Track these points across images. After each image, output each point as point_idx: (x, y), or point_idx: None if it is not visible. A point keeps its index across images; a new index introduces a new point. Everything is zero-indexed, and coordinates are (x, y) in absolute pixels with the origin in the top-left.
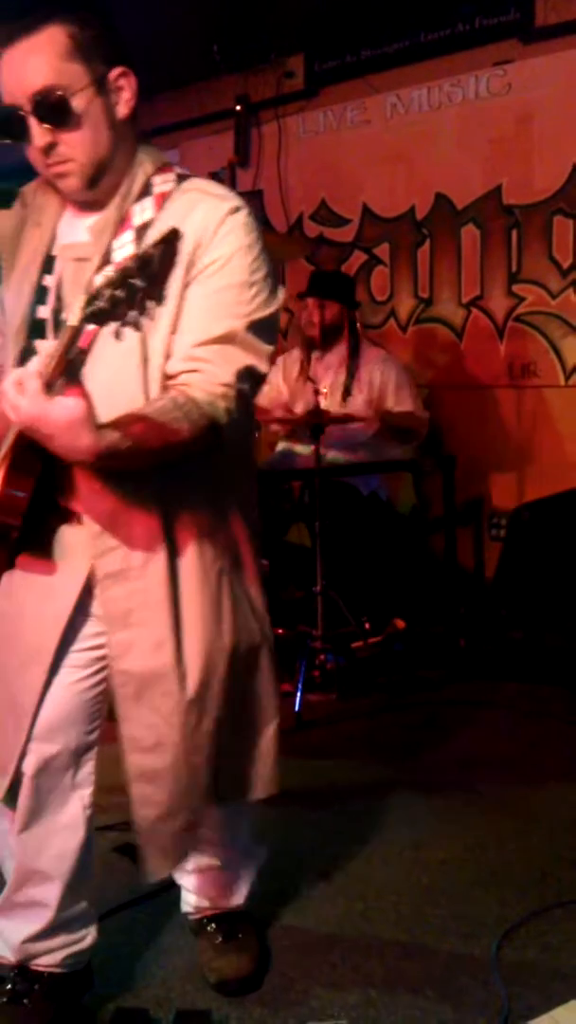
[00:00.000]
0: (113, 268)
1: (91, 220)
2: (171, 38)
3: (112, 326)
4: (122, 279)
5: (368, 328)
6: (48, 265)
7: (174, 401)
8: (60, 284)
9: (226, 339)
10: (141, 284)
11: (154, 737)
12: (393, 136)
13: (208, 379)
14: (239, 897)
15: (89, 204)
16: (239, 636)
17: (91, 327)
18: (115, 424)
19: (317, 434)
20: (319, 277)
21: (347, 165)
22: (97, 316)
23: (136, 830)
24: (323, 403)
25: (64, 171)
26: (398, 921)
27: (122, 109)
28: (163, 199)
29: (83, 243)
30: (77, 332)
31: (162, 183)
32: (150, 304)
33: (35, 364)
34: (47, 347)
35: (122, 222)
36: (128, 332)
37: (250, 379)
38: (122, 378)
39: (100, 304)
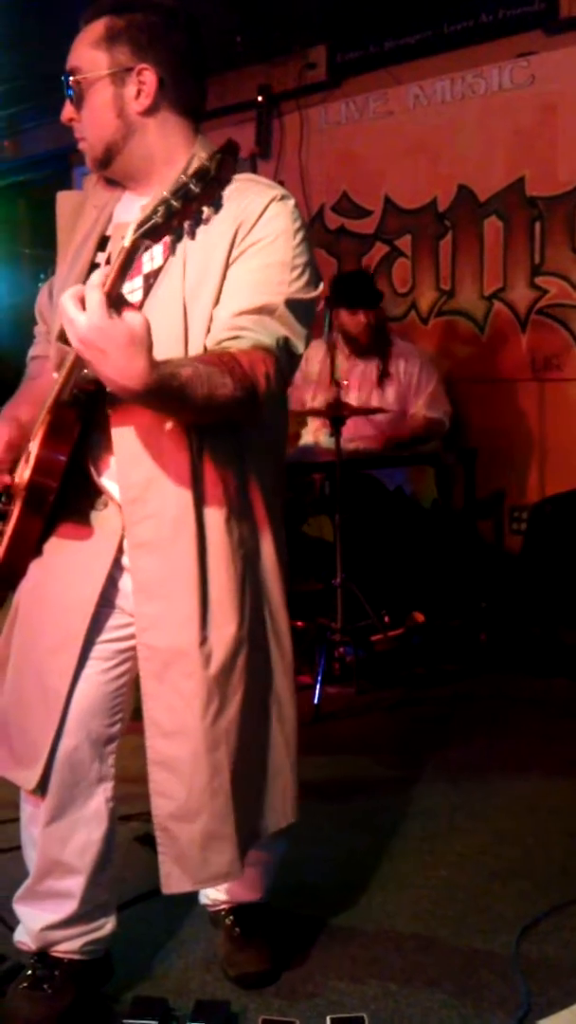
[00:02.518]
0: (164, 189)
1: (144, 201)
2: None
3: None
4: (175, 191)
5: (390, 320)
6: (103, 244)
7: (219, 358)
8: (110, 260)
9: (265, 310)
10: (196, 190)
11: (175, 721)
12: (416, 127)
13: (248, 343)
14: (258, 890)
15: (140, 186)
16: (257, 628)
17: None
18: (166, 363)
19: (338, 426)
20: (344, 283)
21: (369, 156)
22: (151, 232)
23: (155, 832)
24: (345, 395)
25: (82, 147)
26: (417, 915)
27: (139, 103)
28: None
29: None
30: (131, 252)
31: None
32: (206, 211)
33: (95, 277)
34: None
35: None
36: (171, 305)
37: (287, 353)
38: (162, 349)
39: (155, 219)
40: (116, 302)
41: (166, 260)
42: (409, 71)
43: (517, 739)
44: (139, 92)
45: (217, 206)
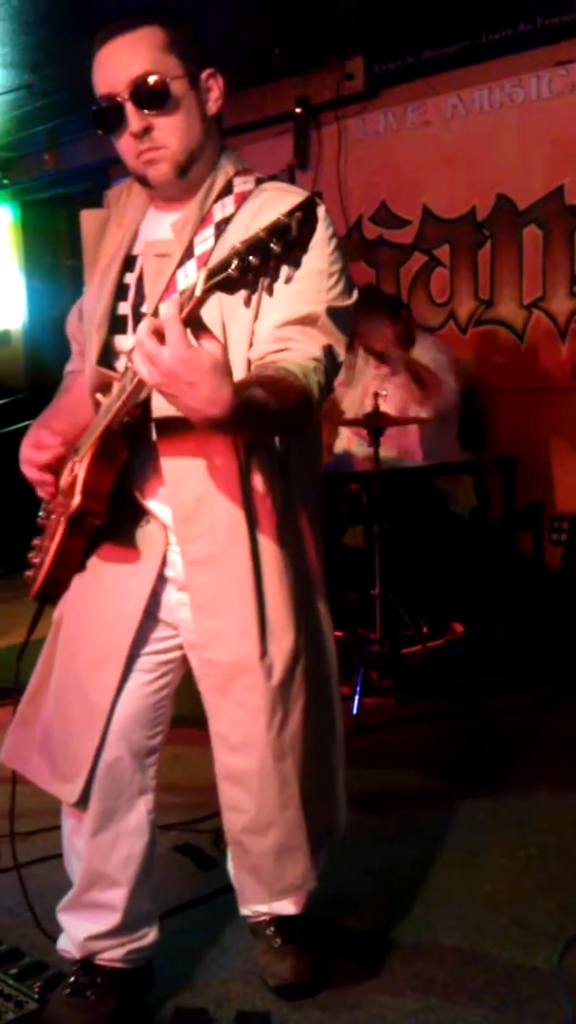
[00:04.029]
0: (239, 241)
1: (173, 217)
2: (231, 41)
3: (243, 294)
4: (252, 248)
5: (428, 330)
6: (130, 263)
7: (277, 374)
8: (140, 280)
9: (308, 320)
10: (278, 250)
11: (241, 735)
12: (454, 137)
13: (299, 355)
14: (298, 902)
15: (172, 201)
16: (309, 637)
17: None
18: (241, 385)
19: (376, 436)
20: (368, 293)
21: (407, 166)
22: (226, 284)
23: (228, 848)
24: (383, 405)
25: (157, 157)
26: (458, 928)
27: (211, 107)
28: (242, 197)
29: (165, 240)
30: (201, 302)
31: (242, 183)
32: (288, 270)
33: (171, 311)
34: (127, 341)
35: (204, 219)
36: (208, 321)
37: (332, 361)
38: None
39: (229, 272)
40: (195, 328)
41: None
42: (447, 81)
43: (559, 752)
44: (210, 96)
45: (297, 264)
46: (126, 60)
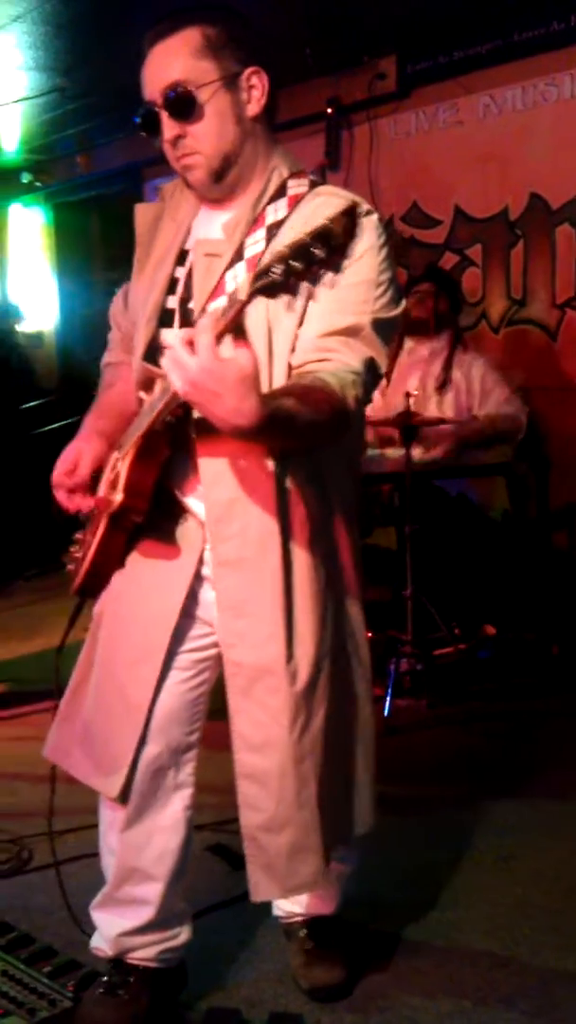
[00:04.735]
0: (283, 245)
1: (225, 217)
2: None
3: (284, 298)
4: (296, 252)
5: (462, 330)
6: (181, 258)
7: (312, 384)
8: (190, 276)
9: (351, 331)
10: (322, 255)
11: (262, 735)
12: (486, 136)
13: (338, 367)
14: (331, 904)
15: (223, 201)
16: (339, 640)
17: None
18: (271, 396)
19: (408, 437)
20: (437, 269)
21: (439, 166)
22: (269, 288)
23: (243, 842)
24: (412, 404)
25: (191, 163)
26: (491, 932)
27: (252, 107)
28: (296, 200)
29: (216, 239)
30: (245, 306)
31: (296, 186)
32: (328, 275)
33: (206, 321)
34: (173, 335)
35: (255, 221)
36: (255, 326)
37: (372, 373)
38: None
39: (273, 276)
40: (236, 333)
41: None
42: (480, 80)
43: None
44: (251, 96)
45: (338, 270)
46: (161, 68)
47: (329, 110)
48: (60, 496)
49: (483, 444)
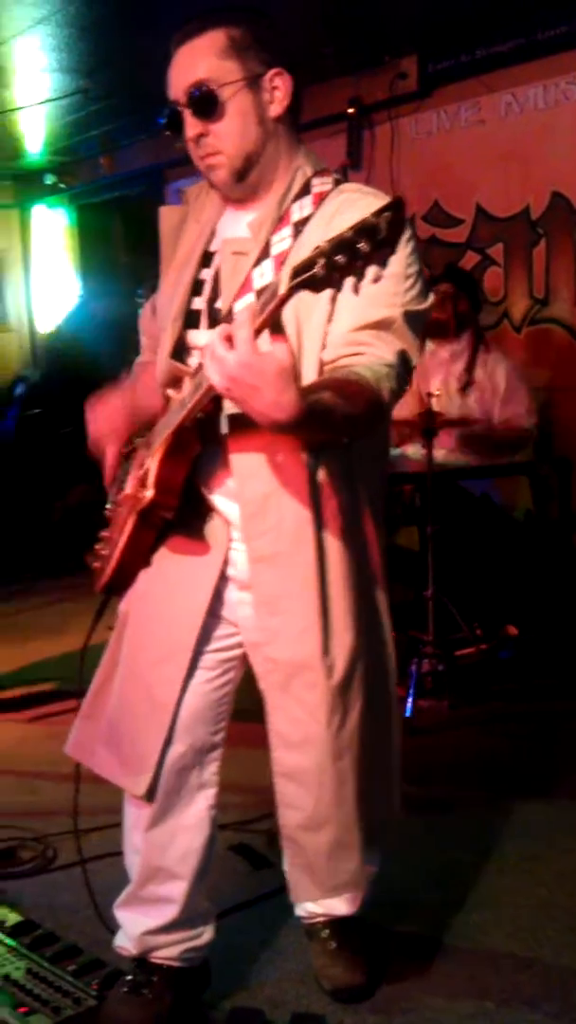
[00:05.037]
0: (324, 240)
1: (250, 216)
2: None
3: (328, 292)
4: (339, 246)
5: (483, 329)
6: (206, 260)
7: (347, 378)
8: (217, 277)
9: (383, 325)
10: (367, 248)
11: (300, 733)
12: (508, 135)
13: (372, 360)
14: (354, 905)
15: (246, 201)
16: (370, 636)
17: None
18: (308, 390)
19: (429, 437)
20: (456, 269)
21: (460, 165)
22: (311, 283)
23: (282, 844)
24: (435, 404)
25: (213, 163)
26: (514, 933)
27: (275, 108)
28: (321, 198)
29: (242, 238)
30: (285, 300)
31: (321, 184)
32: (375, 270)
33: (243, 315)
34: (200, 336)
35: (281, 219)
36: (285, 322)
37: (405, 366)
38: None
39: (315, 271)
40: (272, 328)
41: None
42: (501, 79)
43: None
44: (274, 96)
45: (384, 264)
46: (186, 67)
47: (350, 110)
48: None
49: (488, 450)
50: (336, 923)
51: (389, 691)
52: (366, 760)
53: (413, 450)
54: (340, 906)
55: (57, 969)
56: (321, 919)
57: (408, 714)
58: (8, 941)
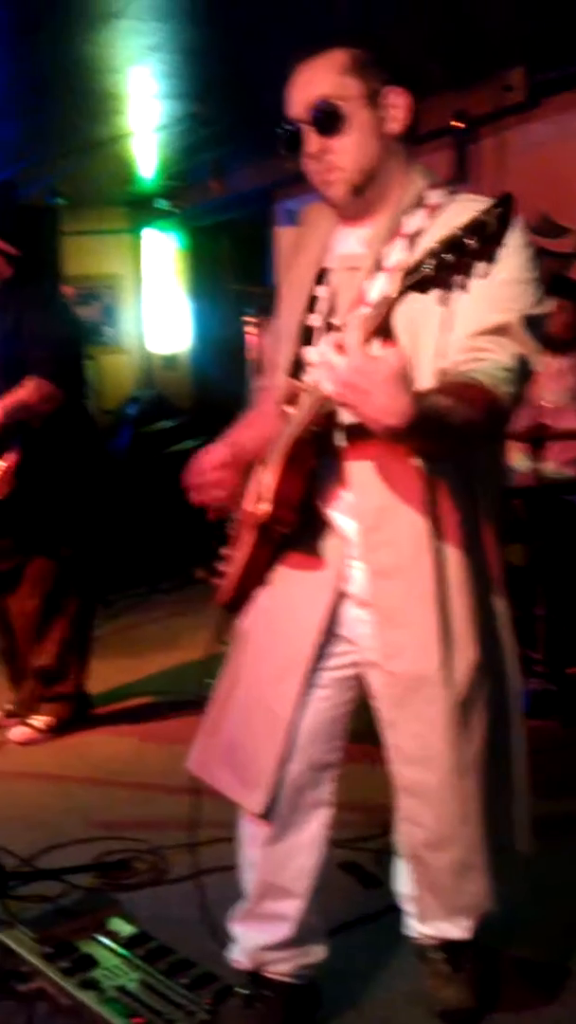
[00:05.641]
0: (434, 240)
1: (364, 232)
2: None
3: (428, 301)
4: (448, 245)
5: None
6: (322, 277)
7: (465, 382)
8: (332, 293)
9: (501, 330)
10: (475, 245)
11: (420, 748)
12: None
13: (489, 365)
14: (468, 930)
15: (360, 216)
16: (493, 652)
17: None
18: (424, 395)
19: (538, 448)
20: (564, 280)
21: (569, 176)
22: (421, 284)
23: (406, 864)
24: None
25: (332, 178)
26: None
27: (393, 125)
28: (435, 210)
29: (356, 254)
30: (396, 303)
31: (434, 196)
32: (481, 265)
33: (354, 321)
34: (316, 352)
35: (394, 233)
36: (400, 331)
37: (524, 371)
38: None
39: (425, 271)
40: (384, 334)
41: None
42: None
43: None
44: (393, 114)
45: (492, 259)
46: (308, 84)
47: (457, 124)
48: (193, 492)
49: None
50: (449, 945)
51: (514, 708)
52: (491, 779)
53: (521, 462)
54: (454, 930)
55: (171, 982)
56: (433, 940)
57: None
58: (123, 952)
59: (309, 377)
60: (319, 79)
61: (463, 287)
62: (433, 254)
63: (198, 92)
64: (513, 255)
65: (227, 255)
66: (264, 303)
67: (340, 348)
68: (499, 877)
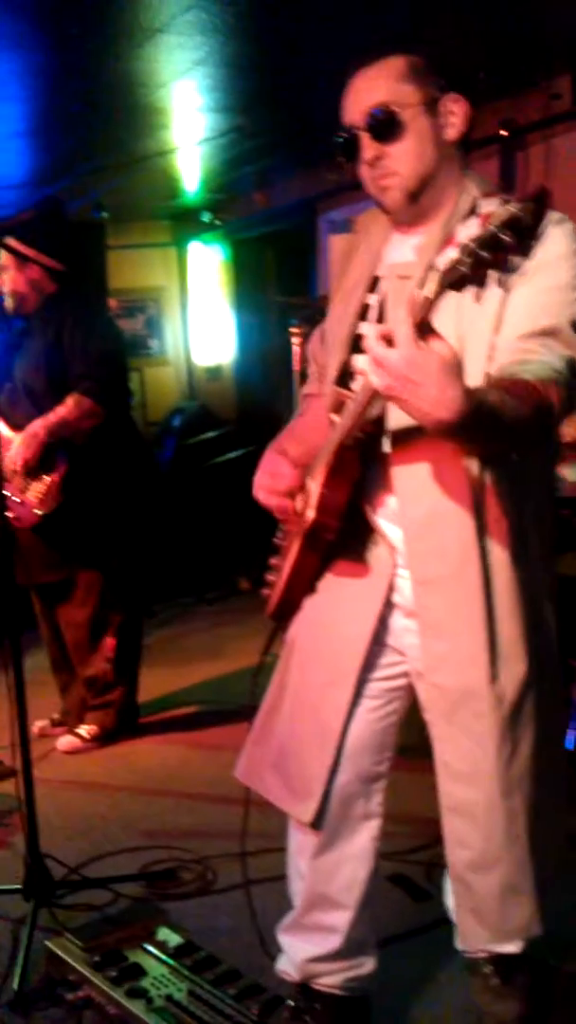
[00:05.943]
0: (467, 238)
1: (417, 240)
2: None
3: (474, 303)
4: (483, 242)
5: None
6: (373, 285)
7: (515, 383)
8: (383, 301)
9: (550, 333)
10: (510, 240)
11: (468, 764)
12: None
13: (539, 366)
14: (519, 944)
15: (413, 224)
16: (543, 666)
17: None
18: (475, 390)
19: None
20: None
21: None
22: (458, 282)
23: (451, 885)
24: None
25: (388, 184)
26: None
27: (450, 132)
28: (487, 218)
29: (408, 262)
30: (436, 300)
31: (487, 204)
32: (517, 260)
33: (401, 314)
34: (364, 360)
35: (446, 240)
36: (445, 333)
37: (573, 373)
38: None
39: (462, 269)
40: (424, 330)
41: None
42: None
43: None
44: (450, 121)
45: (527, 253)
46: (365, 91)
47: (504, 132)
48: (268, 500)
49: None
50: (500, 959)
51: (561, 723)
52: (539, 797)
53: (571, 471)
54: (505, 944)
55: (219, 992)
56: (483, 954)
57: (571, 747)
58: (171, 962)
59: (356, 386)
60: (377, 86)
61: (499, 283)
62: (469, 252)
63: (242, 105)
64: (563, 261)
65: (271, 267)
66: (308, 314)
67: (388, 340)
68: (550, 896)
